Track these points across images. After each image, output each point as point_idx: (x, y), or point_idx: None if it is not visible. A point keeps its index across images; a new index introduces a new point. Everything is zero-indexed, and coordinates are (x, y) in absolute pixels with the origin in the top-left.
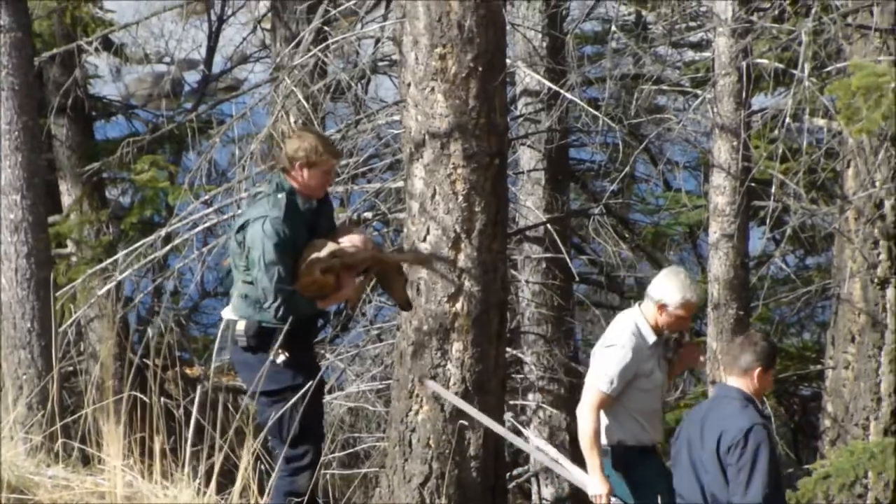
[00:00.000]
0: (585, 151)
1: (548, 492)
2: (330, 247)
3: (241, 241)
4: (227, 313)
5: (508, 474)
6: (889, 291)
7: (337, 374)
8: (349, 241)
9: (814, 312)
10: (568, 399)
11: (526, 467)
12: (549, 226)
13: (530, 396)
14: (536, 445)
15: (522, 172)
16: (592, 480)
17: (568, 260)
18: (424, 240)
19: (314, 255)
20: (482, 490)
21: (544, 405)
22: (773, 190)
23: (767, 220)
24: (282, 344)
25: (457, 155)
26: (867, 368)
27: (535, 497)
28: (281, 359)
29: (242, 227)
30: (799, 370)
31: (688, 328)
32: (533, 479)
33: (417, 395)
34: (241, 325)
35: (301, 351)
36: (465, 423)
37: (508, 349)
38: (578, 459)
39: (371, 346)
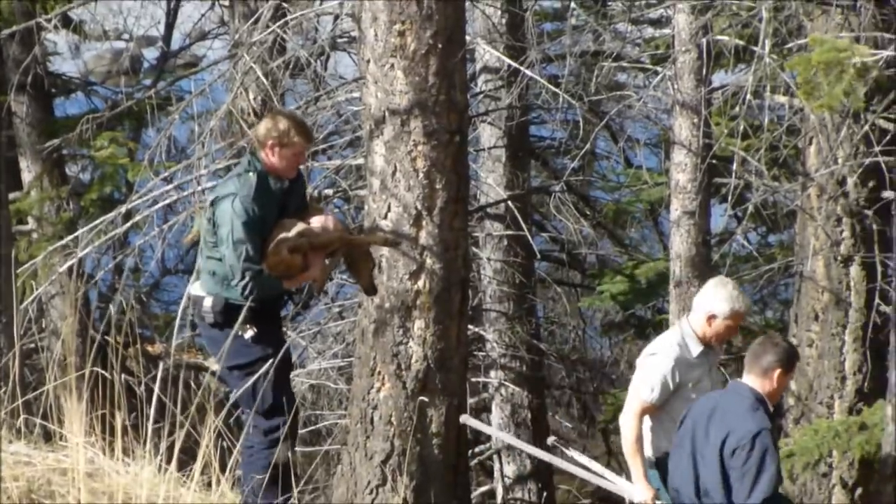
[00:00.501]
0: (546, 128)
1: (510, 469)
2: (298, 227)
3: (210, 218)
4: (195, 289)
5: (470, 451)
6: (853, 269)
7: (298, 351)
8: (319, 222)
9: (777, 290)
10: (530, 376)
11: (488, 445)
12: (510, 203)
13: (492, 374)
14: (579, 461)
15: (483, 149)
16: (637, 488)
17: (529, 237)
18: (385, 217)
19: (282, 235)
20: (444, 467)
21: (506, 382)
22: (734, 167)
23: (729, 197)
24: (248, 319)
25: (417, 132)
26: (831, 347)
27: (496, 474)
28: (249, 334)
29: (212, 204)
30: None
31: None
32: (495, 457)
33: (379, 373)
34: (207, 302)
35: (268, 324)
36: (426, 399)
37: (470, 326)
38: (539, 434)
39: (332, 323)
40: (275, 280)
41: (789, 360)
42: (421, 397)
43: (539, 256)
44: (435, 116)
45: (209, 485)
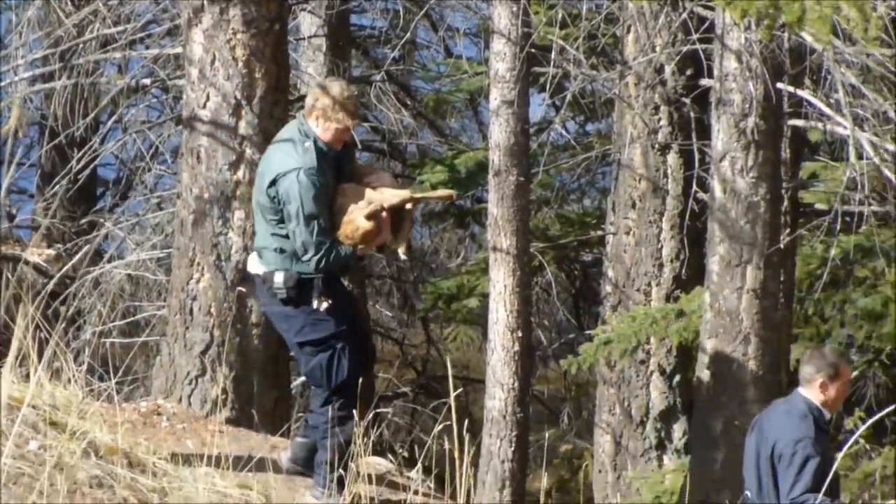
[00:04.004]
0: (366, 17)
1: None
2: (369, 194)
3: (273, 196)
4: (257, 267)
5: None
6: (670, 157)
7: (117, 243)
8: (378, 181)
9: (595, 178)
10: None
11: None
12: None
13: None
14: None
15: (303, 38)
16: None
17: None
18: (204, 106)
19: (354, 205)
20: (264, 358)
21: None
22: (553, 56)
23: (548, 87)
24: (323, 292)
25: (236, 20)
26: (648, 234)
27: None
28: (325, 306)
29: (274, 182)
30: (580, 236)
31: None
32: None
33: (198, 264)
34: (279, 278)
35: (340, 296)
36: (244, 290)
37: None
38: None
39: (151, 214)
40: (348, 249)
41: (831, 368)
42: (240, 288)
43: (360, 146)
44: (254, 4)
45: (27, 376)
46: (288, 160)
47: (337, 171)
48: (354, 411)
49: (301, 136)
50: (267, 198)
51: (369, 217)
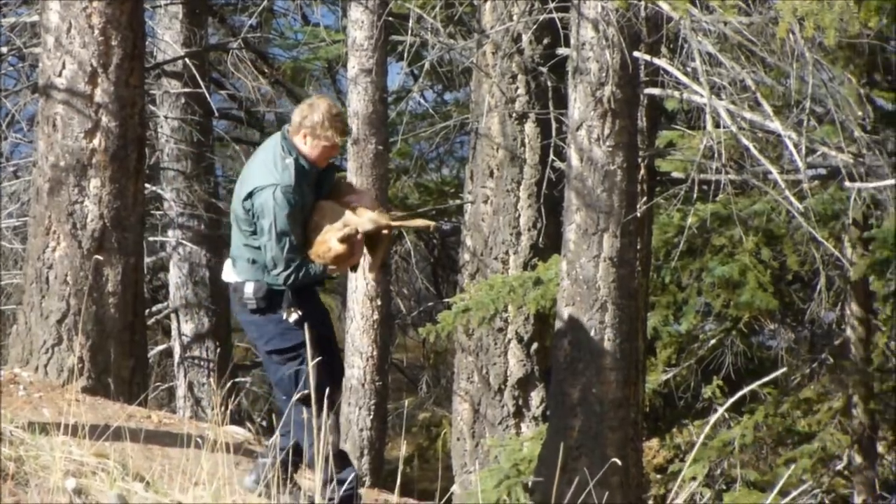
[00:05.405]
0: None
1: (188, 328)
2: (346, 217)
3: (248, 209)
4: (230, 276)
5: (147, 311)
6: (527, 125)
7: None
8: (358, 201)
9: (453, 147)
10: (208, 235)
11: (165, 304)
12: (187, 60)
13: (170, 233)
14: None
15: (160, 6)
16: None
17: (207, 95)
18: (60, 74)
19: (329, 226)
20: (121, 326)
21: (184, 241)
22: (411, 24)
23: (406, 55)
24: (292, 303)
25: None
26: (506, 203)
27: (174, 333)
28: (293, 317)
29: (250, 195)
30: (438, 205)
31: None
32: (172, 316)
33: (55, 232)
34: (249, 289)
35: (310, 305)
36: (102, 258)
37: (148, 185)
38: (217, 291)
39: (7, 183)
40: (318, 267)
41: None
42: (97, 256)
43: (217, 114)
44: None
45: None
46: (267, 175)
47: (317, 188)
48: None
49: (283, 153)
50: (243, 209)
51: (342, 240)
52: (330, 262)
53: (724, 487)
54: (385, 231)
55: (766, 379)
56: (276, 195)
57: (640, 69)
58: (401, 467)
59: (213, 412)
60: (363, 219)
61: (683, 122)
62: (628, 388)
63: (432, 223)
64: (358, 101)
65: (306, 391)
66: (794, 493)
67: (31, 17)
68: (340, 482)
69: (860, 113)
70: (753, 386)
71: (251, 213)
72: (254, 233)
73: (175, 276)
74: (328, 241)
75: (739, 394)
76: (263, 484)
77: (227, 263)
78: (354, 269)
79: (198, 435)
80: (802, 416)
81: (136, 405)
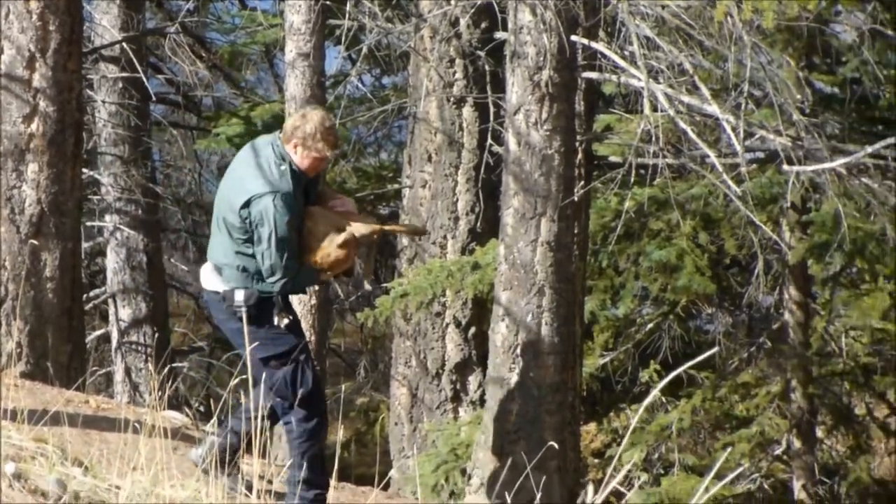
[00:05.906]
0: None
1: (125, 313)
2: (338, 221)
3: (246, 218)
4: (215, 284)
5: (86, 296)
6: (465, 110)
7: None
8: (343, 205)
9: (391, 132)
10: (146, 220)
11: (103, 289)
12: (124, 45)
13: (107, 218)
14: None
15: None
16: None
17: (144, 80)
18: None
19: (333, 234)
20: (59, 311)
21: (122, 226)
22: (348, 8)
23: (343, 39)
24: (282, 309)
25: None
26: (444, 187)
27: (112, 318)
28: (285, 322)
29: (247, 204)
30: (377, 189)
31: None
32: (110, 301)
33: None
34: (239, 296)
35: (293, 309)
36: (40, 243)
37: (85, 170)
38: (155, 276)
39: None
40: (312, 273)
41: None
42: (34, 241)
43: (154, 99)
44: None
45: None
46: (264, 182)
47: (305, 194)
48: (324, 419)
49: (277, 159)
50: (238, 218)
51: (342, 245)
52: (328, 268)
53: (662, 472)
54: (375, 237)
55: (700, 358)
56: (277, 202)
57: (577, 53)
58: (338, 452)
59: (150, 397)
60: (357, 224)
61: (621, 106)
62: (566, 372)
63: (425, 228)
64: (296, 86)
65: (305, 392)
66: (731, 476)
67: None
68: (307, 483)
69: (799, 96)
70: (688, 366)
71: (248, 221)
72: (248, 241)
73: (112, 261)
74: (328, 247)
75: (674, 374)
76: (209, 460)
77: (207, 270)
78: (349, 274)
79: (136, 420)
80: (740, 400)
81: (75, 390)
